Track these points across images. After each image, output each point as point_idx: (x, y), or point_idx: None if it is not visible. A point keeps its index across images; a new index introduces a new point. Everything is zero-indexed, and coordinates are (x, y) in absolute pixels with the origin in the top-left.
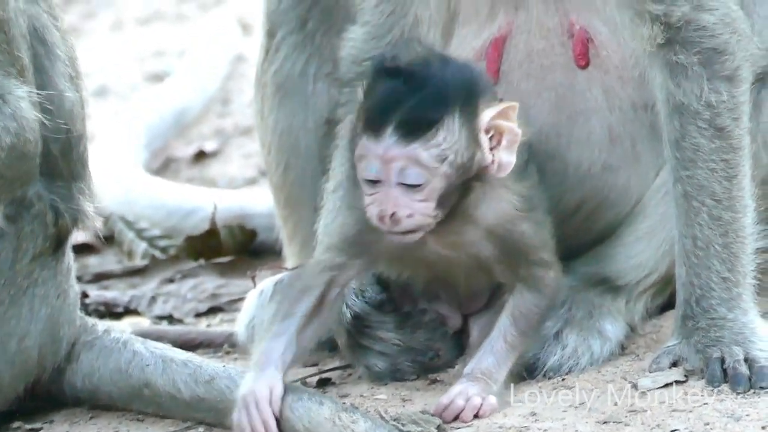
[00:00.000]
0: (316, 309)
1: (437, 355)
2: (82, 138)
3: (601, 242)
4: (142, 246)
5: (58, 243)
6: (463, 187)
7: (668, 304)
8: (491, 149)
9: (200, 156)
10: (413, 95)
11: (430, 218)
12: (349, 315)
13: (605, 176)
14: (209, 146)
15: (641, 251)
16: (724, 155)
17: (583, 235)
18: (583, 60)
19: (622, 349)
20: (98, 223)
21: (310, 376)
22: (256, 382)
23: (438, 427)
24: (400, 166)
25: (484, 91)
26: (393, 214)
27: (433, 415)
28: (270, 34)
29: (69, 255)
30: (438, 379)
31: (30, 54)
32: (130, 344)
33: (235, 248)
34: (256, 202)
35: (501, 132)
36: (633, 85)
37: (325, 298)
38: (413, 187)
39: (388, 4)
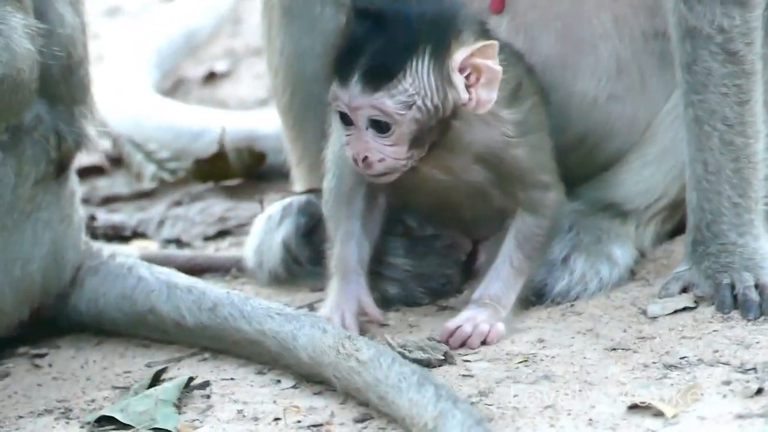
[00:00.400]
0: (370, 205)
1: (449, 281)
2: (83, 62)
3: (608, 168)
4: (151, 168)
5: (61, 167)
6: (441, 125)
7: (679, 229)
8: (468, 87)
9: (211, 77)
10: (378, 40)
11: (403, 161)
12: None
13: (611, 107)
14: (220, 67)
15: (650, 176)
16: (736, 80)
17: (590, 164)
18: None
19: (632, 275)
20: (102, 146)
21: (318, 301)
22: (342, 297)
23: (445, 354)
24: (367, 113)
25: (458, 29)
26: (365, 158)
27: (439, 341)
28: None
29: (73, 179)
30: (447, 305)
31: None
32: (136, 269)
33: (244, 171)
34: (266, 124)
35: (478, 70)
36: (644, 12)
37: (374, 195)
38: (382, 132)
39: None
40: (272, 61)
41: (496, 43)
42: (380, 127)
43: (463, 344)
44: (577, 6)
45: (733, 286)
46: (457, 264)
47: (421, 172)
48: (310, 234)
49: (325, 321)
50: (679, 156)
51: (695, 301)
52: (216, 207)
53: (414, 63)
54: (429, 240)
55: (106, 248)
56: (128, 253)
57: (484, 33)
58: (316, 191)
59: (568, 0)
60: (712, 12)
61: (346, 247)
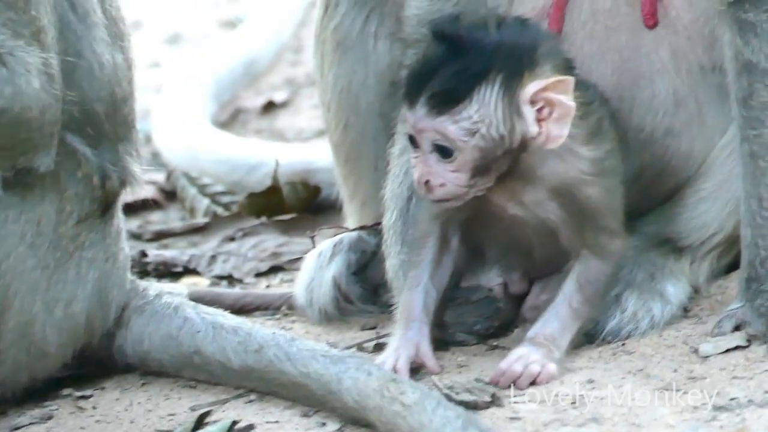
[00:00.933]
0: (441, 251)
1: (492, 326)
2: (128, 100)
3: (664, 203)
4: (205, 202)
5: (106, 205)
6: (508, 156)
7: (734, 265)
8: (540, 121)
9: (269, 107)
10: (450, 65)
11: (464, 188)
12: None
13: (667, 141)
14: (279, 97)
15: (705, 211)
16: None
17: (646, 198)
18: (652, 19)
19: (685, 312)
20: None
21: (368, 341)
22: (401, 343)
23: (492, 396)
24: (431, 137)
25: (535, 61)
26: (427, 182)
27: (488, 382)
28: None
29: (119, 217)
30: (498, 344)
31: (54, 17)
32: (182, 309)
33: (298, 205)
34: (321, 156)
35: (551, 104)
36: (702, 45)
37: (446, 239)
38: (445, 157)
39: None
40: (325, 95)
41: (572, 78)
42: (443, 151)
43: (512, 384)
44: (636, 39)
45: None
46: (498, 313)
47: (492, 204)
48: (361, 271)
49: (371, 364)
50: (734, 191)
51: (748, 340)
52: (269, 242)
53: (482, 90)
54: (466, 292)
55: (152, 287)
56: (177, 291)
57: (567, 69)
58: (367, 228)
59: (625, 33)
60: None
61: (413, 294)
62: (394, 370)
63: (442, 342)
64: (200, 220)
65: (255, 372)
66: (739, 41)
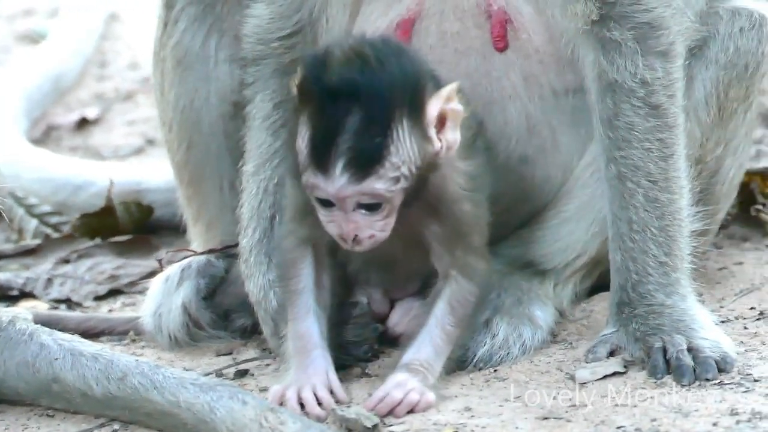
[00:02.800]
0: (319, 273)
1: (371, 348)
2: None
3: (525, 225)
4: (33, 223)
5: None
6: (420, 181)
7: (596, 287)
8: (438, 134)
9: (82, 123)
10: (353, 120)
11: (389, 230)
12: (275, 303)
13: (522, 169)
14: (91, 113)
15: (569, 233)
16: (659, 134)
17: (506, 223)
18: (502, 42)
19: (554, 337)
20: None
21: (227, 367)
22: (310, 371)
23: (374, 427)
24: (356, 199)
25: (425, 83)
26: (355, 237)
27: (369, 411)
28: (168, 5)
29: None
30: (369, 371)
31: None
32: (37, 336)
33: (132, 225)
34: (150, 175)
35: (445, 116)
36: (554, 69)
37: (319, 260)
38: (372, 211)
39: None
40: (166, 114)
41: (457, 84)
42: (370, 207)
43: (390, 412)
44: (486, 63)
45: (665, 350)
46: (376, 332)
47: None
48: (211, 296)
49: (244, 392)
50: (597, 213)
51: (625, 366)
52: (105, 264)
53: (395, 134)
54: (347, 307)
55: (4, 314)
56: (21, 315)
57: (433, 74)
58: (216, 251)
59: (475, 56)
60: (634, 64)
61: (305, 323)
62: (300, 404)
63: None
64: (32, 241)
65: (118, 400)
66: (603, 61)
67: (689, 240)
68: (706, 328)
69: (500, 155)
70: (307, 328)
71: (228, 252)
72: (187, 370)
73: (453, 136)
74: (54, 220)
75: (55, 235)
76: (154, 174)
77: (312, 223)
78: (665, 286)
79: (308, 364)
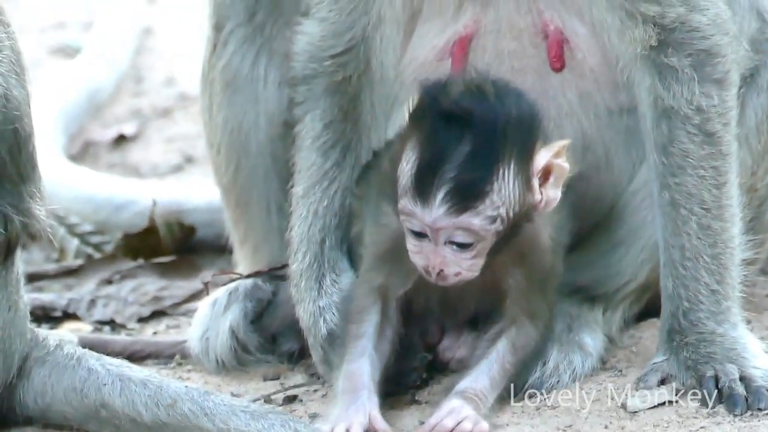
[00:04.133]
0: (383, 323)
1: (420, 377)
2: (31, 137)
3: (575, 250)
4: (74, 243)
5: (7, 251)
6: (514, 229)
7: (644, 314)
8: (540, 186)
9: (120, 140)
10: (460, 152)
11: (478, 271)
12: (324, 330)
13: (575, 186)
14: (128, 129)
15: (619, 259)
16: (713, 162)
17: None
18: (559, 62)
19: (603, 364)
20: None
21: (276, 393)
22: (352, 411)
23: None
24: (449, 233)
25: (538, 132)
26: (441, 272)
27: None
28: (217, 27)
29: (18, 263)
30: (419, 399)
31: None
32: (84, 360)
33: (174, 246)
34: (191, 194)
35: (551, 170)
36: (609, 89)
37: (387, 312)
38: (463, 249)
39: (350, 1)
40: (214, 136)
41: (568, 142)
42: (461, 245)
43: None
44: (542, 82)
45: (716, 379)
46: (424, 362)
47: None
48: (258, 320)
49: (296, 420)
50: (647, 239)
51: (676, 394)
52: (148, 286)
53: (500, 173)
54: (395, 339)
55: (52, 337)
56: (67, 338)
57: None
58: (262, 273)
59: (532, 75)
60: (690, 91)
61: (359, 363)
62: None
63: None
64: (73, 261)
65: (168, 427)
66: (660, 87)
67: (740, 268)
68: (758, 356)
69: None
70: (359, 368)
71: (274, 274)
72: (234, 395)
73: (554, 192)
74: (95, 239)
75: (97, 255)
76: (195, 193)
77: (389, 272)
78: (716, 315)
79: (352, 404)
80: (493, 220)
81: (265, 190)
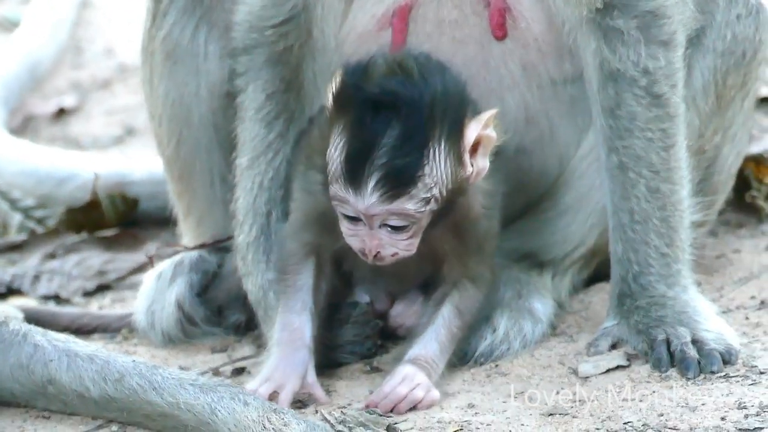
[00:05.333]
0: (318, 276)
1: (374, 345)
2: None
3: (522, 217)
4: (17, 217)
5: None
6: (449, 204)
7: (592, 278)
8: (470, 158)
9: (60, 113)
10: (390, 140)
11: (414, 249)
12: (274, 302)
13: (519, 159)
14: (68, 102)
15: (567, 224)
16: (661, 124)
17: (503, 215)
18: (501, 31)
19: (553, 329)
20: None
21: (224, 365)
22: (287, 370)
23: (387, 428)
24: (383, 218)
25: (466, 106)
26: (377, 253)
27: (380, 414)
28: None
29: None
30: (375, 365)
31: None
32: (30, 336)
33: (117, 219)
34: (133, 167)
35: (480, 141)
36: (553, 58)
37: (320, 264)
38: (398, 231)
39: None
40: (155, 108)
41: (496, 111)
42: (396, 227)
43: (393, 408)
44: (484, 52)
45: (668, 342)
46: (376, 329)
47: None
48: (204, 292)
49: (245, 393)
50: (594, 204)
51: (628, 359)
52: (93, 260)
53: (431, 154)
54: (347, 308)
55: None
56: (11, 313)
57: (472, 99)
58: (207, 246)
59: (473, 45)
60: (637, 53)
61: (300, 318)
62: (271, 399)
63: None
64: (17, 236)
65: (116, 402)
66: (606, 50)
67: (689, 231)
68: (709, 319)
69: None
70: (301, 324)
71: (219, 246)
72: (182, 368)
73: (483, 162)
74: (38, 214)
75: (41, 229)
76: (137, 166)
77: (319, 232)
78: (667, 278)
79: (288, 362)
80: (427, 201)
81: (208, 162)
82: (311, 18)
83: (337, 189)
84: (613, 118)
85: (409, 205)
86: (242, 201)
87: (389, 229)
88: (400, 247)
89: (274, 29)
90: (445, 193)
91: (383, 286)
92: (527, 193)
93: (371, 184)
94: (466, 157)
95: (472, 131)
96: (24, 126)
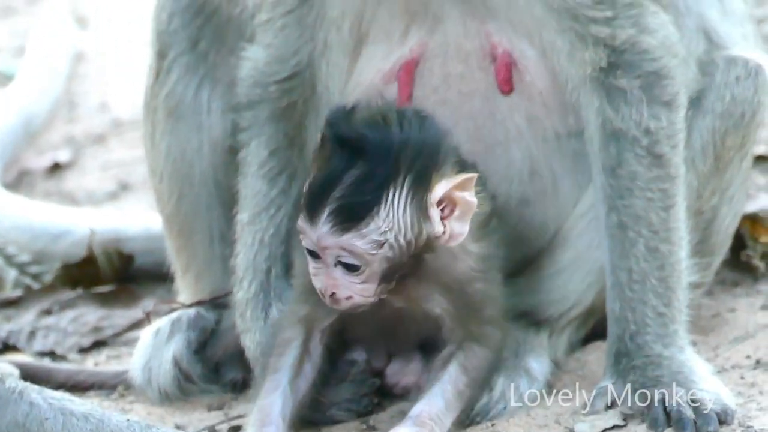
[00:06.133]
0: (303, 358)
1: (371, 402)
2: None
3: (520, 274)
4: (12, 273)
5: None
6: (413, 258)
7: (589, 337)
8: (443, 219)
9: (55, 168)
10: (353, 173)
11: (372, 297)
12: None
13: (521, 211)
14: (63, 156)
15: (564, 283)
16: (661, 184)
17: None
18: (507, 86)
19: (549, 388)
20: None
21: (220, 423)
22: None
23: None
24: (336, 253)
25: (440, 162)
26: (333, 294)
27: None
28: (160, 55)
29: None
30: (372, 424)
31: None
32: (26, 394)
33: (113, 275)
34: (129, 222)
35: (454, 203)
36: (558, 112)
37: (308, 346)
38: (351, 271)
39: (295, 28)
40: (156, 165)
41: (476, 175)
42: (349, 267)
43: None
44: (490, 105)
45: (664, 402)
46: (373, 387)
47: (381, 300)
48: (201, 350)
49: None
50: (593, 263)
51: (624, 418)
52: (89, 316)
53: (390, 197)
54: (344, 365)
55: None
56: (7, 371)
57: (460, 162)
58: (205, 303)
59: (479, 98)
60: (639, 113)
61: (271, 398)
62: None
63: (313, 423)
64: (12, 292)
65: None
66: (608, 108)
67: (687, 291)
68: (705, 379)
69: (501, 197)
70: (270, 403)
71: (217, 302)
72: (178, 425)
73: (460, 227)
74: (34, 269)
75: (36, 285)
76: (132, 221)
77: (315, 303)
78: (663, 337)
79: None
80: (379, 245)
81: (208, 219)
82: (316, 74)
83: (300, 219)
84: (613, 177)
85: (359, 242)
86: (242, 257)
87: (343, 268)
88: (355, 290)
89: (278, 85)
90: (403, 243)
91: (381, 345)
92: (528, 247)
93: (325, 214)
94: (434, 213)
95: (441, 187)
96: (18, 180)
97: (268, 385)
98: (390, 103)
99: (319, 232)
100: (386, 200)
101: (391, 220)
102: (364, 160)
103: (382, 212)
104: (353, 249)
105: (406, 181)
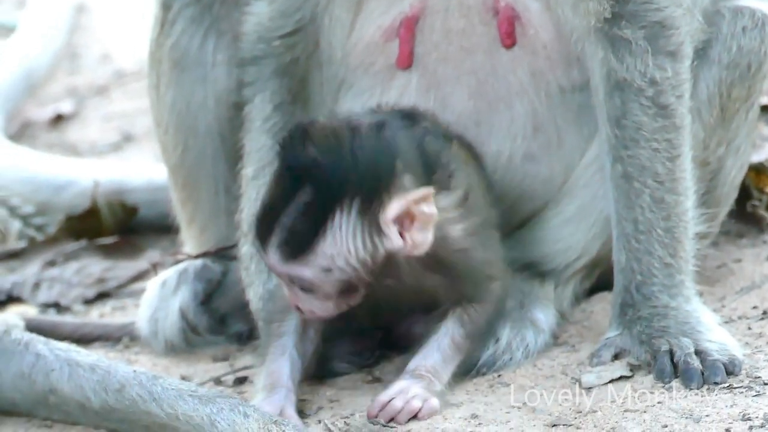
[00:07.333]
0: (305, 321)
1: (373, 354)
2: None
3: (525, 226)
4: (17, 225)
5: None
6: (377, 268)
7: (595, 288)
8: (402, 232)
9: (57, 119)
10: (298, 201)
11: (334, 311)
12: None
13: (526, 166)
14: (65, 108)
15: (570, 234)
16: (667, 134)
17: (507, 223)
18: (510, 39)
19: (555, 339)
20: None
21: (225, 374)
22: (267, 407)
23: None
24: (288, 277)
25: (393, 178)
26: (297, 306)
27: (385, 425)
28: (165, 5)
29: None
30: (377, 376)
31: None
32: (32, 346)
33: (116, 226)
34: (132, 174)
35: (412, 217)
36: (561, 66)
37: None
38: (306, 292)
39: None
40: (161, 116)
41: (431, 190)
42: (303, 289)
43: (392, 419)
44: (492, 60)
45: (671, 353)
46: (377, 338)
47: (372, 286)
48: (207, 301)
49: (245, 404)
50: (598, 213)
51: (631, 369)
52: (93, 267)
53: (337, 223)
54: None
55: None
56: (12, 322)
57: (431, 164)
58: (211, 254)
59: (482, 54)
60: (644, 63)
61: (279, 362)
62: None
63: (316, 377)
64: (16, 244)
65: (117, 413)
66: (613, 59)
67: (693, 242)
68: (712, 330)
69: (505, 153)
70: (279, 367)
71: (223, 254)
72: (184, 377)
73: (422, 236)
74: (38, 221)
75: (40, 237)
76: (136, 173)
77: None
78: (670, 288)
79: (268, 401)
80: (328, 270)
81: (213, 171)
82: (318, 29)
83: (252, 240)
84: (618, 127)
85: (306, 271)
86: (246, 211)
87: (299, 288)
88: (314, 307)
89: (282, 40)
90: (356, 264)
91: (383, 310)
92: (533, 201)
93: (273, 244)
94: (389, 230)
95: (395, 206)
96: (21, 132)
97: (274, 350)
98: (347, 119)
99: (268, 260)
100: (332, 226)
101: (339, 246)
102: (311, 185)
103: (329, 239)
104: (302, 277)
105: (354, 203)
